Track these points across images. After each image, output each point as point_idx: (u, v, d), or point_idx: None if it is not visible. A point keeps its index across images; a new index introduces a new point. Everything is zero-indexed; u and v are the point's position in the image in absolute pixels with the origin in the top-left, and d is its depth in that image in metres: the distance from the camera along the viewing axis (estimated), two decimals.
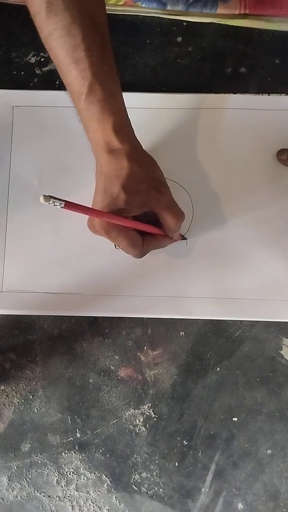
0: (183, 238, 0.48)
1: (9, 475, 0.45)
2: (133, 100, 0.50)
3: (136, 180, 0.41)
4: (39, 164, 0.50)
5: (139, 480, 0.45)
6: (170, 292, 0.47)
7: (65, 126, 0.50)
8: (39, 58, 0.53)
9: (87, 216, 0.42)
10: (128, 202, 0.40)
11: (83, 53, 0.39)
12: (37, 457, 0.45)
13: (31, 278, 0.47)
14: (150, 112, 0.51)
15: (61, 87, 0.52)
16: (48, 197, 0.33)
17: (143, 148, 0.43)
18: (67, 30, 0.39)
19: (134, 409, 0.46)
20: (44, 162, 0.50)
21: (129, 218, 0.41)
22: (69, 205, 0.36)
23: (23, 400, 0.46)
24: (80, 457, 0.45)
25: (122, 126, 0.41)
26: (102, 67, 0.40)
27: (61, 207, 0.35)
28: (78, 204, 0.37)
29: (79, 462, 0.45)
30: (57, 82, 0.52)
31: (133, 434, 0.45)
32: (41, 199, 0.33)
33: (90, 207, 0.39)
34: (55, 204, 0.34)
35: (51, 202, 0.34)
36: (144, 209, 0.42)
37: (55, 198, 0.34)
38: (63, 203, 0.35)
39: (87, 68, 0.39)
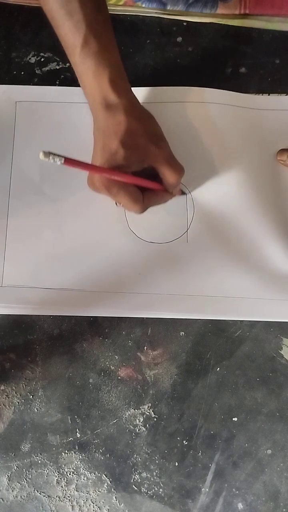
0: (183, 193, 0.48)
1: (9, 475, 0.45)
2: (143, 95, 0.50)
3: (134, 135, 0.41)
4: (41, 160, 0.50)
5: (139, 480, 0.45)
6: (170, 290, 0.47)
7: (68, 121, 0.50)
8: (39, 58, 0.53)
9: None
10: (127, 157, 0.40)
11: (77, 4, 0.39)
12: (37, 457, 0.45)
13: (32, 273, 0.47)
14: (150, 107, 0.50)
15: (62, 86, 0.52)
16: (47, 153, 0.34)
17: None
18: None
19: (134, 409, 0.46)
20: None
21: (128, 174, 0.41)
22: (68, 161, 0.36)
23: (23, 400, 0.46)
24: (80, 457, 0.45)
25: (118, 79, 0.41)
26: (96, 19, 0.40)
27: (61, 163, 0.35)
28: (78, 161, 0.37)
29: (79, 462, 0.45)
30: (57, 82, 0.52)
31: (133, 434, 0.45)
32: (41, 155, 0.33)
33: (90, 163, 0.38)
34: (55, 160, 0.34)
35: (50, 158, 0.34)
36: (143, 165, 0.42)
37: (55, 154, 0.34)
38: (63, 159, 0.35)
39: (81, 20, 0.39)
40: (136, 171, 0.42)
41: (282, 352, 0.47)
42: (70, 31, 0.40)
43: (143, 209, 0.43)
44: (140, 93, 0.51)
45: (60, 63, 0.53)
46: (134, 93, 0.44)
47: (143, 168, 0.42)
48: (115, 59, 0.42)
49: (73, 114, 0.50)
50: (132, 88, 0.46)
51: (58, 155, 0.34)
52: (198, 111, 0.50)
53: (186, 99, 0.50)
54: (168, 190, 0.44)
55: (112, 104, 0.41)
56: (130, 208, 0.43)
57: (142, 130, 0.41)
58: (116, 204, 0.43)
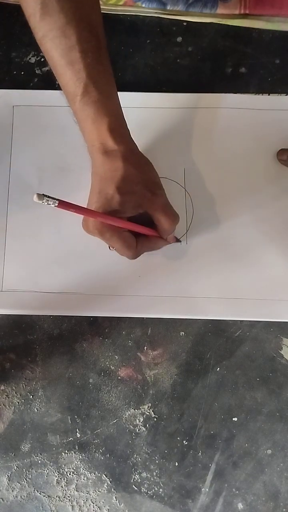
0: (178, 240, 0.48)
1: (9, 475, 0.45)
2: (132, 100, 0.51)
3: (130, 181, 0.41)
4: (39, 164, 0.50)
5: (139, 480, 0.45)
6: (170, 292, 0.47)
7: (65, 125, 0.50)
8: (39, 58, 0.53)
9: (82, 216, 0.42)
10: (122, 203, 0.40)
11: (78, 54, 0.39)
12: (37, 457, 0.45)
13: (31, 277, 0.47)
14: (150, 111, 0.51)
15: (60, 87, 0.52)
16: (41, 196, 0.34)
17: (141, 148, 0.43)
18: (61, 31, 0.39)
19: (134, 409, 0.46)
20: (44, 162, 0.50)
21: (123, 219, 0.41)
22: (62, 204, 0.36)
23: (23, 400, 0.46)
24: (80, 457, 0.45)
25: (117, 127, 0.41)
26: (97, 68, 0.40)
27: (55, 206, 0.35)
28: (72, 204, 0.37)
29: (79, 462, 0.45)
30: (57, 82, 0.52)
31: (133, 434, 0.45)
32: (35, 197, 0.33)
33: (84, 206, 0.39)
34: (49, 203, 0.34)
35: (44, 200, 0.34)
36: (138, 211, 0.42)
37: (49, 197, 0.34)
38: (57, 202, 0.35)
39: (82, 70, 0.39)
40: (131, 217, 0.42)
41: (282, 352, 0.47)
42: (71, 80, 0.40)
43: (136, 255, 0.43)
44: (141, 98, 0.51)
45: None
46: (130, 98, 0.43)
47: (139, 214, 0.42)
48: (114, 107, 0.42)
49: (70, 118, 0.50)
50: (127, 93, 0.46)
51: (53, 198, 0.34)
52: (196, 115, 0.51)
53: (185, 106, 0.51)
54: (163, 236, 0.44)
55: (110, 150, 0.41)
56: (123, 253, 0.43)
57: (139, 177, 0.42)
58: (109, 248, 0.44)
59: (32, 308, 0.47)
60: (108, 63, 0.42)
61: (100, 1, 0.53)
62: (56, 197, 0.35)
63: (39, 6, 0.38)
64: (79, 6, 0.39)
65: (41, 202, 0.34)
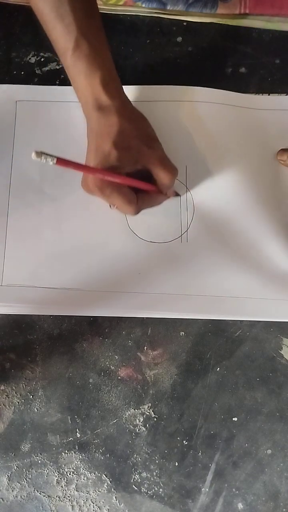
0: (177, 194, 0.47)
1: (9, 475, 0.45)
2: (132, 93, 0.50)
3: (127, 136, 0.41)
4: (33, 159, 0.50)
5: (139, 480, 0.45)
6: (170, 290, 0.47)
7: (68, 121, 0.50)
8: (39, 58, 0.53)
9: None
10: (120, 158, 0.40)
11: (68, 8, 0.39)
12: (37, 457, 0.45)
13: (31, 273, 0.47)
14: (149, 104, 0.50)
15: (62, 86, 0.52)
16: (39, 153, 0.33)
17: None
18: None
19: (134, 409, 0.46)
20: None
21: (122, 175, 0.41)
22: (61, 161, 0.35)
23: (23, 400, 0.46)
24: (80, 457, 0.45)
25: (110, 81, 0.41)
26: (88, 21, 0.40)
27: (53, 163, 0.35)
28: (70, 161, 0.37)
29: (79, 462, 0.45)
30: (57, 82, 0.52)
31: (133, 434, 0.45)
32: (33, 155, 0.33)
33: (82, 163, 0.38)
34: (47, 160, 0.34)
35: (42, 158, 0.34)
36: (136, 166, 0.42)
37: (47, 154, 0.34)
38: (55, 159, 0.35)
39: (72, 23, 0.39)
40: (129, 173, 0.42)
41: (282, 352, 0.47)
42: (61, 34, 0.40)
43: (137, 210, 0.43)
44: (136, 91, 0.51)
45: (60, 63, 0.53)
46: (130, 91, 0.44)
47: (137, 170, 0.42)
48: (106, 61, 0.42)
49: (73, 114, 0.50)
50: (127, 86, 0.46)
51: (51, 155, 0.34)
52: (198, 111, 0.50)
53: (185, 98, 0.50)
54: (162, 191, 0.44)
55: (104, 106, 0.41)
56: (124, 210, 0.43)
57: (135, 131, 0.41)
58: (110, 206, 0.43)
59: (31, 304, 0.47)
60: (99, 17, 0.41)
61: (100, 1, 0.53)
62: (54, 154, 0.34)
63: None
64: None
65: (39, 159, 0.34)
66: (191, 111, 0.50)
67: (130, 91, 0.51)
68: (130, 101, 0.43)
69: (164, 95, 0.51)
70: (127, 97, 0.43)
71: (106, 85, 0.41)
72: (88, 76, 0.40)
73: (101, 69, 0.41)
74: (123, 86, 0.46)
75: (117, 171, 0.40)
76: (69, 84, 0.51)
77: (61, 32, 0.40)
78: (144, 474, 0.45)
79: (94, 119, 0.41)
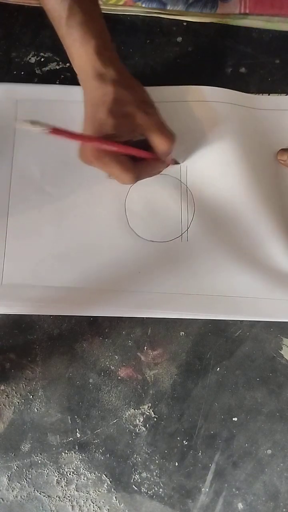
0: (176, 162, 0.47)
1: (9, 475, 0.45)
2: None
3: (122, 103, 0.40)
4: (41, 158, 0.50)
5: (139, 480, 0.45)
6: (170, 289, 0.47)
7: (69, 120, 0.50)
8: (39, 58, 0.53)
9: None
10: (117, 126, 0.40)
11: None
12: (37, 457, 0.45)
13: (32, 271, 0.47)
14: None
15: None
16: (34, 122, 0.33)
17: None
18: None
19: (134, 409, 0.46)
20: (47, 156, 0.50)
21: (119, 143, 0.40)
22: (56, 131, 0.35)
23: (23, 400, 0.46)
24: (80, 457, 0.45)
25: (104, 49, 0.41)
26: None
27: (48, 132, 0.34)
28: (66, 130, 0.36)
29: (79, 462, 0.45)
30: (57, 82, 0.52)
31: (133, 434, 0.45)
32: (27, 124, 0.33)
33: (78, 132, 0.38)
34: (42, 129, 0.34)
35: (37, 127, 0.33)
36: (133, 133, 0.41)
37: (41, 123, 0.34)
38: (50, 128, 0.34)
39: None
40: (127, 142, 0.41)
41: (282, 352, 0.47)
42: (55, 3, 0.40)
43: (135, 178, 0.42)
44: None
45: (60, 63, 0.53)
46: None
47: (135, 140, 0.42)
48: (101, 28, 0.42)
49: (74, 113, 0.50)
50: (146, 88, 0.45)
51: (46, 124, 0.34)
52: (197, 110, 0.50)
53: (186, 98, 0.50)
54: (161, 158, 0.44)
55: (99, 74, 0.41)
56: (122, 178, 0.42)
57: (131, 98, 0.41)
58: (108, 176, 0.43)
59: (32, 302, 0.47)
60: None
61: (100, 1, 0.53)
62: (49, 124, 0.34)
63: None
64: None
65: (33, 128, 0.33)
66: (190, 110, 0.50)
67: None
68: (126, 68, 0.43)
69: (163, 96, 0.51)
70: (122, 65, 0.43)
71: (100, 54, 0.40)
72: (82, 45, 0.40)
73: (96, 38, 0.40)
74: None
75: (114, 139, 0.40)
76: (69, 83, 0.52)
77: (55, 1, 0.40)
78: (144, 474, 0.45)
79: (89, 87, 0.41)
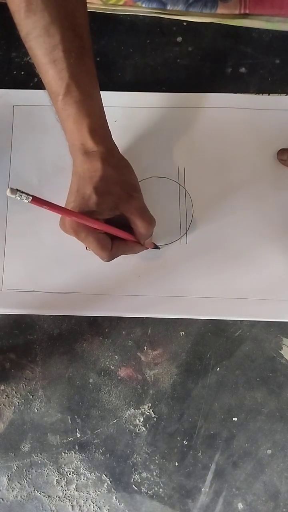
0: (156, 247, 0.47)
1: (9, 475, 0.45)
2: (133, 100, 0.51)
3: (108, 182, 0.41)
4: (39, 163, 0.50)
5: (139, 480, 0.45)
6: (170, 291, 0.47)
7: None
8: None
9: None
10: (99, 204, 0.40)
11: (61, 53, 0.39)
12: (37, 457, 0.45)
13: (31, 277, 0.47)
14: (149, 111, 0.51)
15: None
16: (14, 190, 0.33)
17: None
18: (45, 30, 0.38)
19: (134, 409, 0.46)
20: (44, 162, 0.50)
21: (98, 220, 0.41)
22: (36, 200, 0.35)
23: (23, 400, 0.46)
24: (80, 457, 0.45)
25: (98, 128, 0.41)
26: (80, 68, 0.40)
27: (28, 201, 0.34)
28: (46, 201, 0.36)
29: (79, 462, 0.45)
30: None
31: (133, 434, 0.45)
32: (8, 191, 0.33)
33: (58, 204, 0.38)
34: (22, 198, 0.34)
35: (17, 195, 0.34)
36: (115, 212, 0.42)
37: (22, 192, 0.34)
38: (30, 197, 0.34)
39: (64, 69, 0.39)
40: (108, 219, 0.42)
41: (282, 352, 0.47)
42: (53, 79, 0.40)
43: (111, 257, 0.43)
44: (138, 98, 0.51)
45: None
46: (130, 98, 0.43)
47: (116, 216, 0.42)
48: (96, 107, 0.42)
49: None
50: (128, 93, 0.45)
51: (26, 194, 0.34)
52: (197, 115, 0.51)
53: (185, 105, 0.51)
54: (140, 241, 0.44)
55: (90, 151, 0.41)
56: (98, 255, 0.42)
57: (117, 178, 0.42)
58: (86, 248, 0.43)
59: (32, 308, 0.47)
60: (92, 63, 0.41)
61: (100, 1, 0.53)
62: (30, 193, 0.34)
63: (24, 4, 0.38)
64: (63, 5, 0.39)
65: (14, 197, 0.33)
66: (190, 116, 0.51)
67: (130, 97, 0.51)
68: (116, 148, 0.43)
69: (164, 102, 0.51)
70: (114, 144, 0.43)
71: (93, 132, 0.41)
72: (76, 122, 0.41)
73: (90, 116, 0.41)
74: (123, 88, 0.46)
75: (95, 216, 0.41)
76: None
77: (53, 77, 0.40)
78: (144, 474, 0.45)
79: (79, 162, 0.42)
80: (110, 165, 0.41)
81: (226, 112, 0.51)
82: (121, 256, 0.44)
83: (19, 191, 0.33)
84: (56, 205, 0.38)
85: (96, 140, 0.41)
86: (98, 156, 0.41)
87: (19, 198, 0.34)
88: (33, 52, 0.40)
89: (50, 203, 0.37)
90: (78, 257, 0.48)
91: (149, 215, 0.43)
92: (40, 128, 0.51)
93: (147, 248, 0.46)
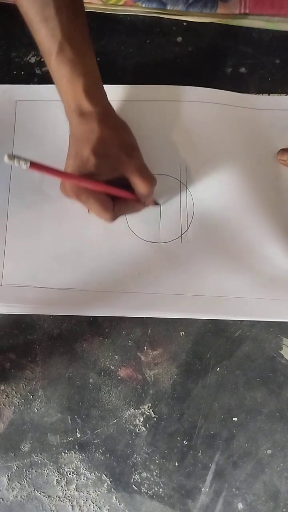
0: (156, 204, 0.47)
1: (9, 475, 0.45)
2: (130, 92, 0.50)
3: (106, 144, 0.41)
4: (41, 159, 0.50)
5: (139, 480, 0.45)
6: (169, 290, 0.47)
7: (67, 120, 0.50)
8: (39, 58, 0.53)
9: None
10: (98, 166, 0.40)
11: (53, 11, 0.38)
12: (37, 457, 0.45)
13: (31, 273, 0.47)
14: (149, 104, 0.50)
15: None
16: (12, 156, 0.33)
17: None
18: None
19: (134, 409, 0.46)
20: (47, 157, 0.50)
21: (98, 181, 0.40)
22: (34, 165, 0.35)
23: (23, 400, 0.46)
24: (80, 457, 0.45)
25: (93, 88, 0.41)
26: (73, 26, 0.40)
27: (27, 167, 0.34)
28: (45, 166, 0.36)
29: (79, 462, 0.45)
30: None
31: (133, 434, 0.45)
32: (6, 158, 0.33)
33: (57, 168, 0.38)
34: (20, 164, 0.34)
35: (15, 161, 0.33)
36: (115, 174, 0.42)
37: (20, 158, 0.33)
38: (28, 163, 0.34)
39: (56, 27, 0.39)
40: (108, 180, 0.42)
41: (282, 352, 0.47)
42: (46, 37, 0.39)
43: (113, 217, 0.43)
44: (135, 91, 0.51)
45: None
46: (129, 91, 0.43)
47: (116, 178, 0.42)
48: (90, 66, 0.41)
49: None
50: (126, 86, 0.45)
51: (24, 159, 0.34)
52: (198, 111, 0.50)
53: (185, 98, 0.50)
54: (140, 200, 0.44)
55: (86, 111, 0.41)
56: (100, 216, 0.42)
57: (115, 139, 0.41)
58: (88, 211, 0.43)
59: (31, 304, 0.47)
60: (85, 22, 0.41)
61: (100, 1, 0.53)
62: (28, 158, 0.34)
63: None
64: None
65: (11, 163, 0.33)
66: (191, 111, 0.50)
67: (129, 90, 0.51)
68: (112, 108, 0.43)
69: (164, 95, 0.51)
70: (109, 104, 0.43)
71: (88, 92, 0.40)
72: (70, 82, 0.40)
73: (84, 75, 0.40)
74: (124, 86, 0.46)
75: (94, 178, 0.40)
76: None
77: (45, 35, 0.39)
78: (144, 474, 0.45)
79: (75, 124, 0.41)
80: (107, 126, 0.41)
81: (227, 110, 0.50)
82: (121, 252, 0.44)
83: (17, 157, 0.33)
84: (55, 169, 0.37)
85: (91, 101, 0.40)
86: (95, 117, 0.40)
87: (17, 164, 0.33)
88: (25, 10, 0.40)
89: (49, 167, 0.37)
90: (78, 253, 0.48)
91: (149, 173, 0.43)
92: (42, 123, 0.51)
93: (148, 206, 0.46)
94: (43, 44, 0.40)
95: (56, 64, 0.40)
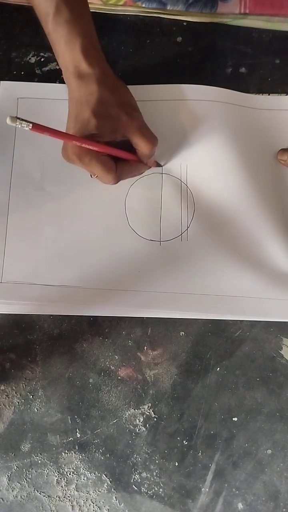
0: (158, 165, 0.47)
1: (9, 475, 0.45)
2: (135, 93, 0.50)
3: (106, 105, 0.40)
4: (42, 157, 0.50)
5: (139, 480, 0.45)
6: (169, 288, 0.47)
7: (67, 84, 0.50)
8: (39, 58, 0.53)
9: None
10: (99, 127, 0.40)
11: None
12: (37, 457, 0.45)
13: (31, 270, 0.47)
14: (149, 104, 0.50)
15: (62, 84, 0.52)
16: (14, 118, 0.33)
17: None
18: None
19: (134, 409, 0.46)
20: (47, 155, 0.50)
21: (100, 143, 0.40)
22: (37, 127, 0.35)
23: (23, 400, 0.46)
24: (80, 457, 0.45)
25: (90, 49, 0.41)
26: None
27: (29, 129, 0.34)
28: (47, 127, 0.36)
29: (79, 462, 0.45)
30: (57, 82, 0.52)
31: (133, 434, 0.45)
32: (8, 120, 0.33)
33: (60, 130, 0.38)
34: (22, 125, 0.34)
35: (17, 123, 0.33)
36: (116, 135, 0.41)
37: (22, 120, 0.34)
38: (31, 124, 0.34)
39: None
40: (109, 142, 0.41)
41: (282, 352, 0.47)
42: None
43: (117, 179, 0.43)
44: (134, 91, 0.51)
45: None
46: (134, 90, 0.43)
47: (118, 140, 0.42)
48: (87, 27, 0.41)
49: None
50: (130, 86, 0.45)
51: (26, 121, 0.34)
52: (198, 109, 0.50)
53: (185, 97, 0.50)
54: (143, 160, 0.44)
55: (84, 73, 0.41)
56: (103, 178, 0.42)
57: (115, 100, 0.41)
58: (91, 176, 0.43)
59: (31, 301, 0.47)
60: None
61: (100, 1, 0.53)
62: (30, 120, 0.34)
63: None
64: None
65: (14, 125, 0.33)
66: (190, 110, 0.50)
67: (145, 90, 0.51)
68: (111, 69, 0.43)
69: (163, 94, 0.51)
70: (108, 65, 0.42)
71: (86, 53, 0.40)
72: (68, 43, 0.40)
73: (82, 36, 0.40)
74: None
75: (96, 139, 0.40)
76: None
77: None
78: (144, 474, 0.45)
79: (74, 86, 0.41)
80: (106, 87, 0.41)
81: (227, 108, 0.50)
82: (121, 250, 0.44)
83: (19, 118, 0.33)
84: (57, 130, 0.37)
85: (89, 62, 0.40)
86: (93, 79, 0.40)
87: (19, 126, 0.34)
88: None
89: (51, 129, 0.37)
90: (79, 251, 0.48)
91: (151, 133, 0.43)
92: (44, 121, 0.50)
93: (150, 167, 0.46)
94: (40, 5, 0.40)
95: (53, 25, 0.40)
